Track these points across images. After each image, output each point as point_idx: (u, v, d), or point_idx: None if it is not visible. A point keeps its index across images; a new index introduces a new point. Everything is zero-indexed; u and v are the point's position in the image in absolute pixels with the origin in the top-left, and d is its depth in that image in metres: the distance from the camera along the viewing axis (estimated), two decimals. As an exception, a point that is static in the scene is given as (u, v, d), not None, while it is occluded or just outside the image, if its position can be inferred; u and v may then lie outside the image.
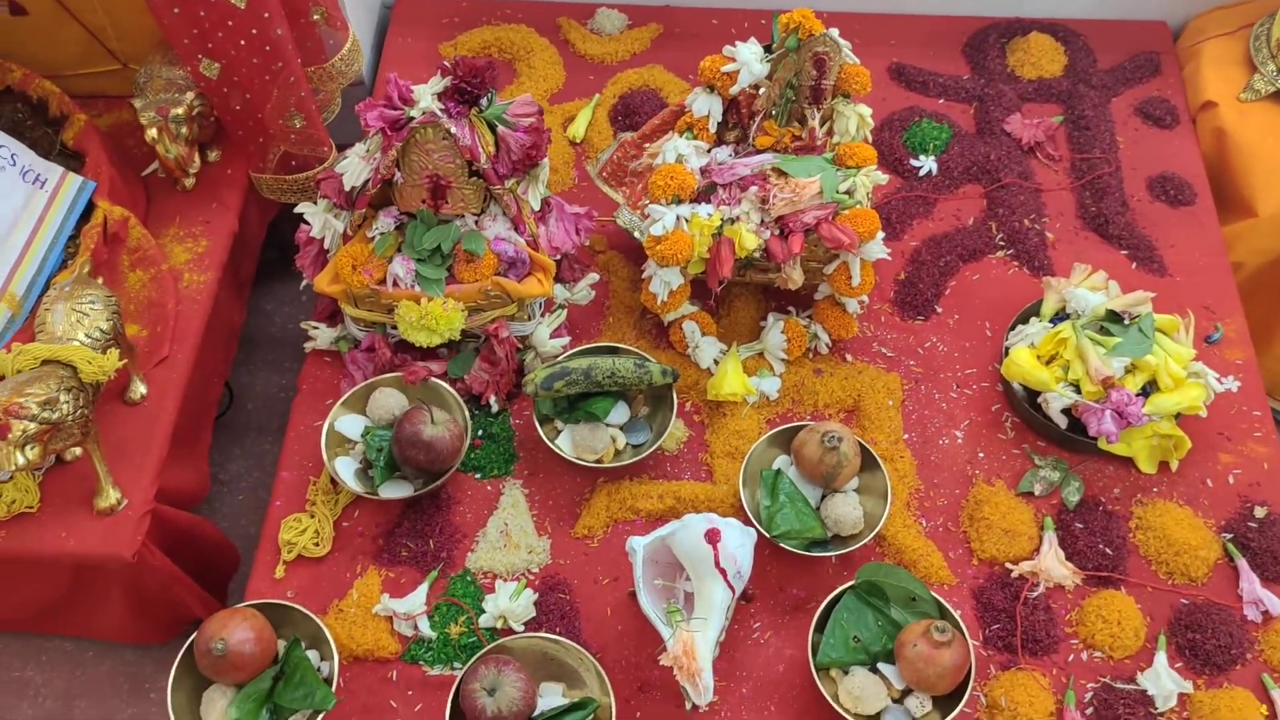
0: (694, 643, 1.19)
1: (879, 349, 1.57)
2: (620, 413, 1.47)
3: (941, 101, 1.84)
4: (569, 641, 1.27)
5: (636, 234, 1.51)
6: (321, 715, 1.24)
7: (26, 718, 1.67)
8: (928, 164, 1.74)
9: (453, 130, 1.35)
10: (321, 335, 1.53)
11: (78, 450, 1.39)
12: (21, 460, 1.20)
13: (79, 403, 1.25)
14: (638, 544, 1.25)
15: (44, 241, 1.44)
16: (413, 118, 1.36)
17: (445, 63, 1.37)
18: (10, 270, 1.40)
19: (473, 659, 1.25)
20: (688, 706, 1.23)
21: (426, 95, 1.36)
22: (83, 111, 1.57)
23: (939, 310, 1.61)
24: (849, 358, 1.56)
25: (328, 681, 1.25)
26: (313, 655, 1.28)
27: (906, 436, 1.49)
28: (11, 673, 1.70)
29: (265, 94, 1.53)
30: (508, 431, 1.49)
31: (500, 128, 1.39)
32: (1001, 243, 1.67)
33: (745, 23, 1.92)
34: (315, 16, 1.60)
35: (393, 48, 1.89)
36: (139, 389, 1.44)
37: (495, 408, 1.50)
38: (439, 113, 1.35)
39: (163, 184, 1.64)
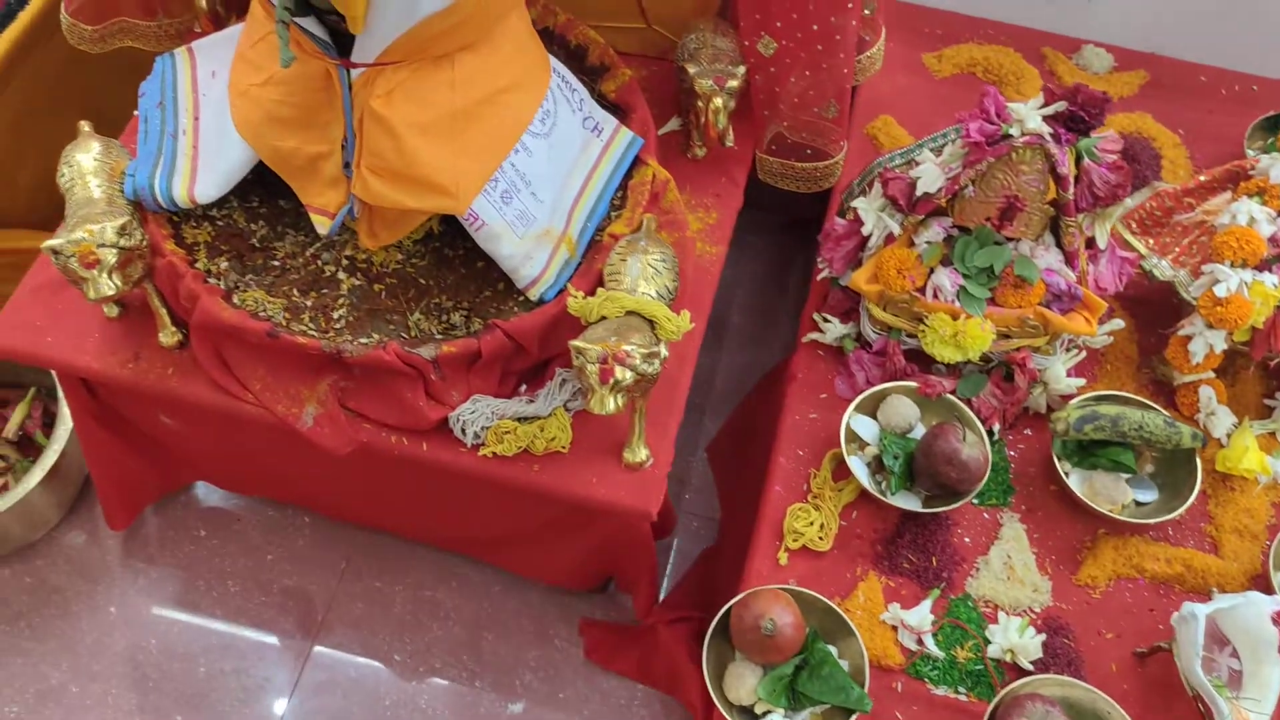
0: (1256, 724, 1.16)
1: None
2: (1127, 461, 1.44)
3: None
4: (1107, 698, 1.25)
5: (1183, 290, 1.47)
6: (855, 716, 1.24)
7: (435, 637, 1.71)
8: None
9: (1055, 156, 1.33)
10: (831, 330, 1.53)
11: (606, 399, 1.41)
12: (612, 406, 1.22)
13: (659, 366, 1.27)
14: (1199, 611, 1.22)
15: (595, 190, 1.46)
16: (1011, 135, 1.34)
17: (1052, 87, 1.36)
18: (568, 213, 1.42)
19: (1004, 693, 1.23)
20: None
21: (1033, 117, 1.34)
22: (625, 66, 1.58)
23: None
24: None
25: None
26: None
27: None
28: (424, 591, 1.74)
29: (811, 79, 1.53)
30: (1004, 461, 1.47)
31: (1086, 160, 1.37)
32: None
33: (1235, 85, 1.86)
34: (867, 11, 1.60)
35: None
36: (662, 353, 1.45)
37: (997, 435, 1.48)
38: (1046, 136, 1.33)
39: (671, 147, 1.65)
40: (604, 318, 1.26)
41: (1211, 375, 1.48)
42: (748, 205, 1.65)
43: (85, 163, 1.35)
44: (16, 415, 1.80)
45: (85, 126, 1.40)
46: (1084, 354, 1.50)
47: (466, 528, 1.60)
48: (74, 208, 1.32)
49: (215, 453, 1.64)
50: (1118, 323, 1.52)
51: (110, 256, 1.27)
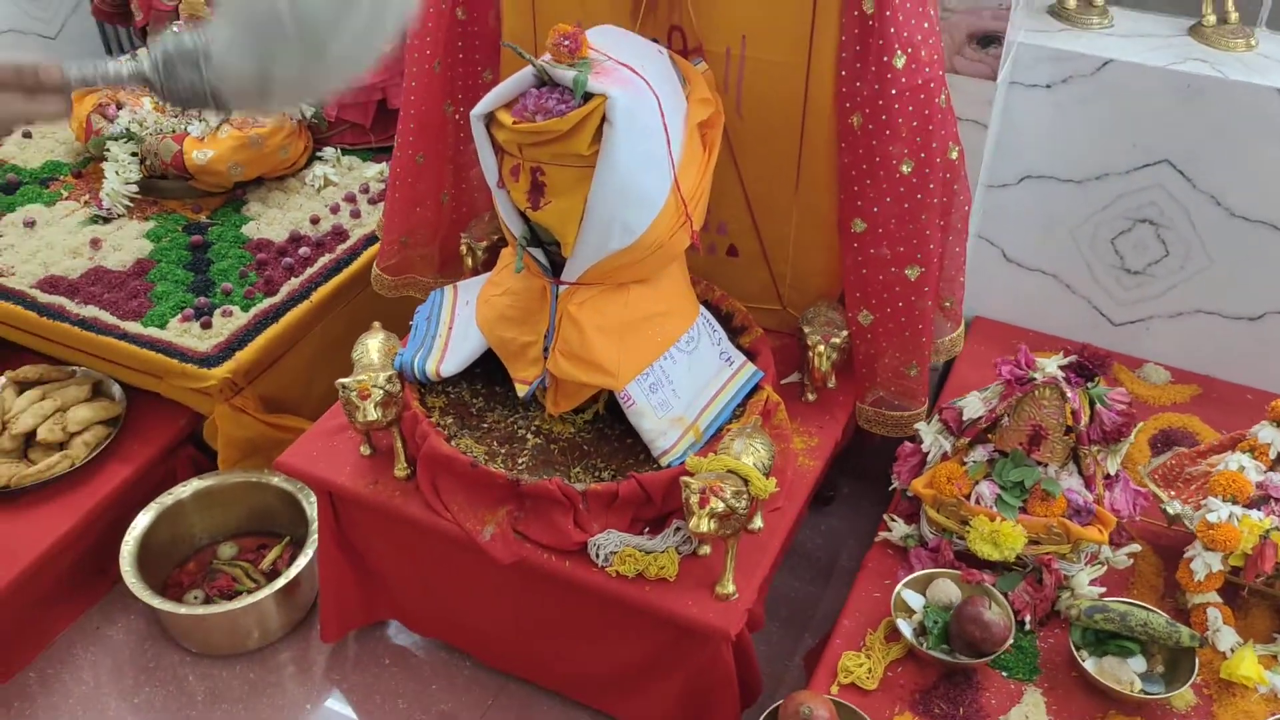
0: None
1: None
2: (1139, 662, 1.70)
3: None
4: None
5: (1186, 522, 1.79)
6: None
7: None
8: None
9: (1068, 395, 1.75)
10: (897, 529, 1.91)
11: (707, 549, 1.82)
12: (705, 526, 1.65)
13: (747, 507, 1.70)
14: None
15: (721, 401, 1.95)
16: (1035, 379, 1.77)
17: (1064, 349, 1.80)
18: (699, 411, 1.92)
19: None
20: None
21: (1052, 364, 1.78)
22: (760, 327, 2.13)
23: None
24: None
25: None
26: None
27: None
28: (548, 729, 2.10)
29: (898, 345, 2.02)
30: (1034, 648, 1.76)
31: (1098, 404, 1.77)
32: None
33: (1279, 403, 2.22)
34: (947, 304, 2.11)
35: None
36: (758, 522, 1.87)
37: (1028, 626, 1.78)
38: (1060, 380, 1.76)
39: (788, 394, 2.14)
40: (710, 472, 1.72)
41: (1218, 599, 1.76)
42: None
43: (372, 343, 1.97)
44: (272, 554, 2.35)
45: (377, 324, 2.04)
46: (1104, 568, 1.81)
47: (586, 659, 1.98)
48: (359, 367, 1.93)
49: (411, 582, 2.11)
50: (1135, 546, 1.83)
51: (378, 395, 1.85)
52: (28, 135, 3.01)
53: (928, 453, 1.90)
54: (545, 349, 1.88)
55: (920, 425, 1.93)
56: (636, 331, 1.87)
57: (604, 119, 1.65)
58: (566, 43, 1.67)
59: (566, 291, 1.84)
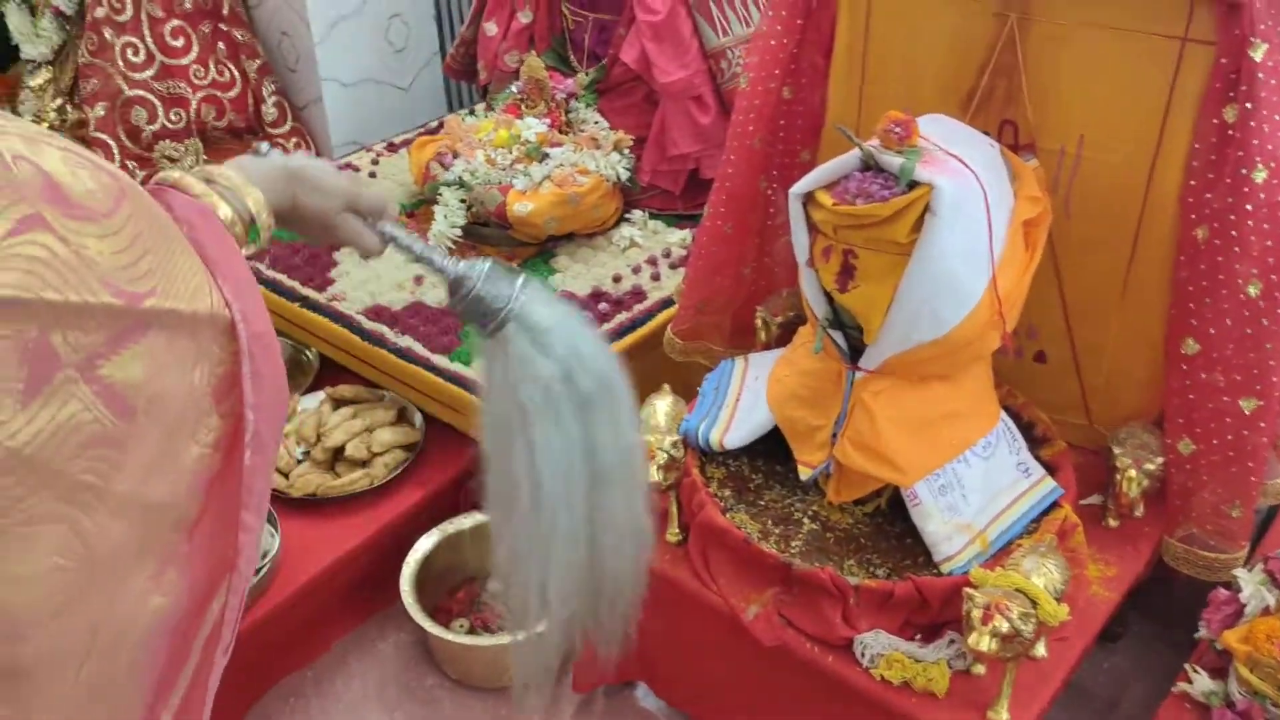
0: None
1: None
2: None
3: None
4: None
5: None
6: None
7: None
8: None
9: None
10: (1199, 683, 1.73)
11: (982, 668, 1.71)
12: (985, 645, 1.55)
13: (1032, 631, 1.58)
14: None
15: (1014, 514, 1.84)
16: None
17: None
18: (988, 521, 1.81)
19: None
20: None
21: None
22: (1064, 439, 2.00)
23: None
24: None
25: None
26: None
27: None
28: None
29: (1221, 481, 1.84)
30: None
31: None
32: None
33: None
34: (1283, 442, 1.91)
35: None
36: (1042, 649, 1.74)
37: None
38: None
39: (1088, 517, 1.99)
40: (996, 588, 1.62)
41: None
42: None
43: (660, 405, 2.00)
44: (535, 595, 2.41)
45: (667, 387, 2.07)
46: None
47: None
48: (646, 428, 1.95)
49: (667, 648, 2.10)
50: None
51: (662, 458, 1.86)
52: (373, 175, 3.29)
53: (1246, 604, 1.71)
54: (834, 434, 1.84)
55: (1239, 572, 1.74)
56: (932, 429, 1.80)
57: (927, 208, 1.61)
58: (897, 129, 1.65)
59: (863, 379, 1.80)
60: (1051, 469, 1.94)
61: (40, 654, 0.85)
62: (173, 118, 3.56)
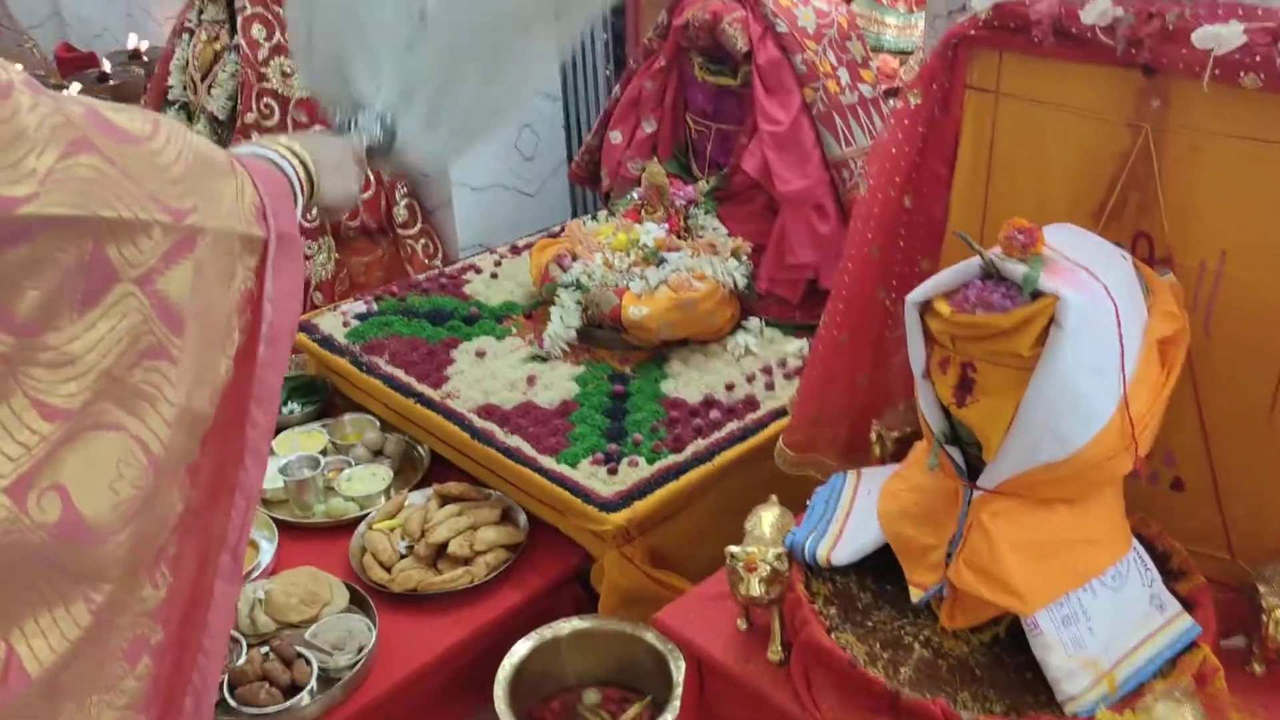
0: None
1: None
2: None
3: None
4: None
5: None
6: None
7: None
8: None
9: None
10: None
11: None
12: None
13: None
14: None
15: (1146, 652, 1.70)
16: None
17: None
18: (1117, 659, 1.68)
19: None
20: None
21: None
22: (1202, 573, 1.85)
23: None
24: None
25: None
26: None
27: None
28: None
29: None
30: None
31: None
32: None
33: None
34: None
35: None
36: (1175, 804, 1.58)
37: None
38: None
39: (1230, 661, 1.82)
40: (1133, 730, 1.48)
41: None
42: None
43: (766, 516, 1.93)
44: (632, 710, 2.32)
45: (774, 498, 2.00)
46: None
47: None
48: (750, 538, 1.88)
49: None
50: None
51: (765, 570, 1.79)
52: (494, 275, 3.35)
53: None
54: (949, 555, 1.73)
55: None
56: (1055, 555, 1.69)
57: (1051, 320, 1.53)
58: (1020, 237, 1.58)
59: (981, 498, 1.70)
60: (1189, 605, 1.79)
61: (116, 559, 0.91)
62: (309, 217, 3.70)
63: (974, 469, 1.72)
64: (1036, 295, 1.55)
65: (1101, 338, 1.56)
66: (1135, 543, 1.81)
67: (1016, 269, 1.57)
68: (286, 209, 1.10)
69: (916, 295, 1.68)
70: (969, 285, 1.62)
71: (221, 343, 1.01)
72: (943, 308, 1.63)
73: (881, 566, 1.91)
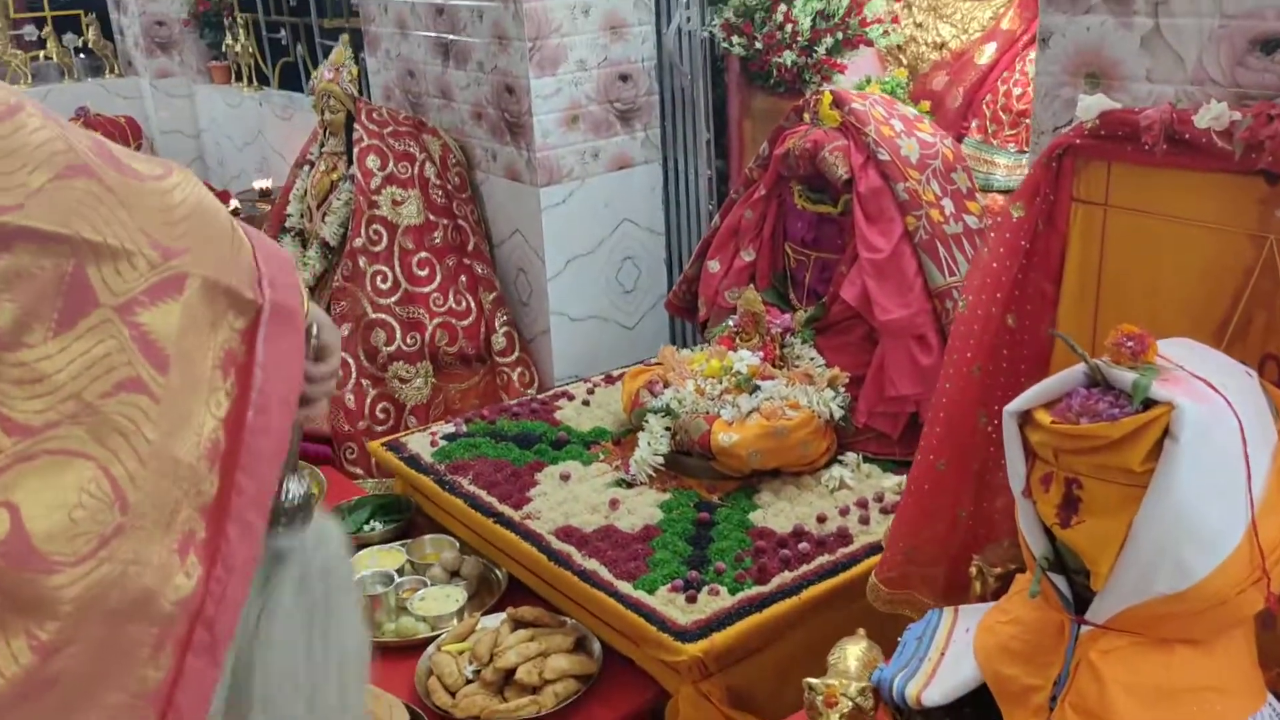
0: None
1: None
2: None
3: None
4: None
5: None
6: None
7: None
8: None
9: None
10: None
11: None
12: None
13: None
14: None
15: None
16: None
17: None
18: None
19: None
20: None
21: None
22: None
23: None
24: None
25: None
26: None
27: None
28: None
29: None
30: None
31: None
32: None
33: None
34: None
35: None
36: None
37: None
38: None
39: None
40: None
41: None
42: None
43: (852, 649, 1.78)
44: None
45: (862, 631, 1.84)
46: None
47: None
48: (833, 672, 1.73)
49: None
50: None
51: (846, 705, 1.63)
52: (586, 404, 3.30)
53: None
54: (1053, 698, 1.55)
55: None
56: (1176, 704, 1.49)
57: (1166, 432, 1.39)
58: (1130, 343, 1.46)
59: (1090, 634, 1.52)
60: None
61: (69, 597, 0.84)
62: (409, 341, 3.74)
63: (1082, 601, 1.55)
64: (1149, 405, 1.42)
65: (1223, 454, 1.41)
66: (1272, 700, 1.59)
67: (1126, 376, 1.44)
68: (286, 283, 1.07)
69: (1015, 405, 1.56)
70: (1073, 394, 1.49)
71: (205, 397, 0.96)
72: (1043, 418, 1.50)
73: (979, 709, 1.72)
